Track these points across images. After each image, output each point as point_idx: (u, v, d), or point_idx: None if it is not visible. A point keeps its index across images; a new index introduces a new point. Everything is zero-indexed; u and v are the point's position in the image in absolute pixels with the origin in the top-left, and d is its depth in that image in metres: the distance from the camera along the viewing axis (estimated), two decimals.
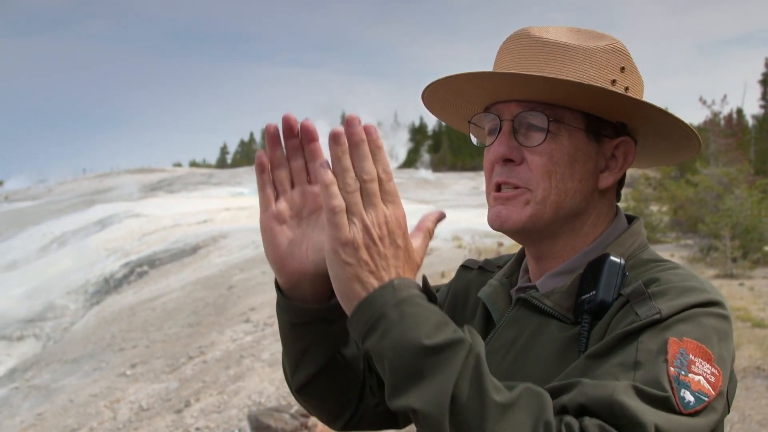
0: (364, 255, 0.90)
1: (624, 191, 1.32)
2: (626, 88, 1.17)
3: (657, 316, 0.98)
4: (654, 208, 20.18)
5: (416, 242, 1.00)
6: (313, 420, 6.68)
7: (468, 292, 1.40)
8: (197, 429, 7.65)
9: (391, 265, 0.92)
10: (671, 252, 15.22)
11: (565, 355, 1.08)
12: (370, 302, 0.89)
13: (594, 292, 1.09)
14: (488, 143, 1.21)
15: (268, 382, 8.37)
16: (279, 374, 8.42)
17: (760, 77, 49.67)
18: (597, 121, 1.18)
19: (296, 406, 7.03)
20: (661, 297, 1.01)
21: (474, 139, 1.29)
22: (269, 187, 1.05)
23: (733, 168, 18.88)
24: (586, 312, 1.08)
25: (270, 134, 1.02)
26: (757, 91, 50.61)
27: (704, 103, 27.19)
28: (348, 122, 0.90)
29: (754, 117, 49.23)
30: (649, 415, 0.86)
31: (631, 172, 1.40)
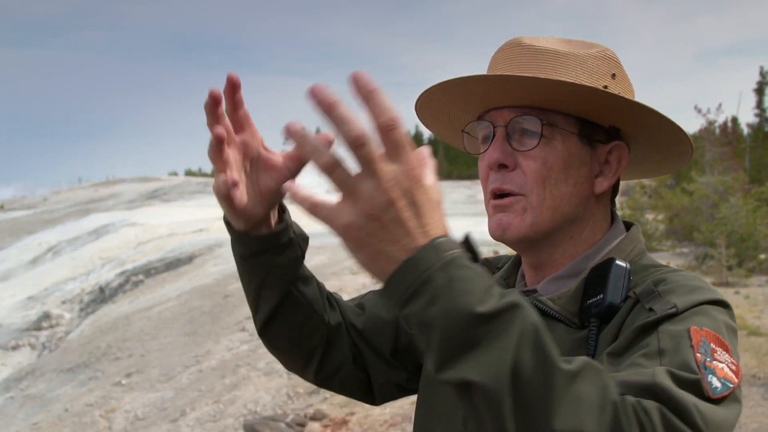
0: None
1: (620, 199, 1.32)
2: (618, 93, 1.17)
3: (673, 310, 0.98)
4: (650, 216, 20.18)
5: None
6: (309, 428, 6.66)
7: None
8: None
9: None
10: (667, 260, 15.21)
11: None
12: (412, 265, 0.81)
13: (601, 296, 1.08)
14: (482, 150, 1.21)
15: (264, 391, 8.35)
16: (275, 383, 8.40)
17: (754, 86, 49.81)
18: (590, 126, 1.18)
19: (292, 415, 7.00)
20: (673, 293, 1.02)
21: (468, 149, 1.28)
22: (223, 151, 1.11)
23: (729, 176, 18.95)
24: (594, 316, 1.08)
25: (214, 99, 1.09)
26: (751, 99, 50.78)
27: (699, 111, 27.37)
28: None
29: (749, 125, 49.22)
30: (689, 398, 0.84)
31: (626, 180, 1.40)
